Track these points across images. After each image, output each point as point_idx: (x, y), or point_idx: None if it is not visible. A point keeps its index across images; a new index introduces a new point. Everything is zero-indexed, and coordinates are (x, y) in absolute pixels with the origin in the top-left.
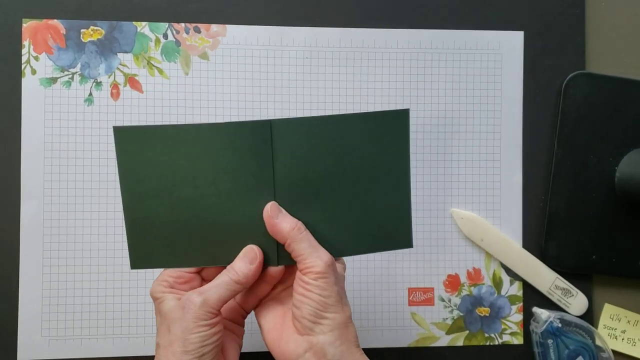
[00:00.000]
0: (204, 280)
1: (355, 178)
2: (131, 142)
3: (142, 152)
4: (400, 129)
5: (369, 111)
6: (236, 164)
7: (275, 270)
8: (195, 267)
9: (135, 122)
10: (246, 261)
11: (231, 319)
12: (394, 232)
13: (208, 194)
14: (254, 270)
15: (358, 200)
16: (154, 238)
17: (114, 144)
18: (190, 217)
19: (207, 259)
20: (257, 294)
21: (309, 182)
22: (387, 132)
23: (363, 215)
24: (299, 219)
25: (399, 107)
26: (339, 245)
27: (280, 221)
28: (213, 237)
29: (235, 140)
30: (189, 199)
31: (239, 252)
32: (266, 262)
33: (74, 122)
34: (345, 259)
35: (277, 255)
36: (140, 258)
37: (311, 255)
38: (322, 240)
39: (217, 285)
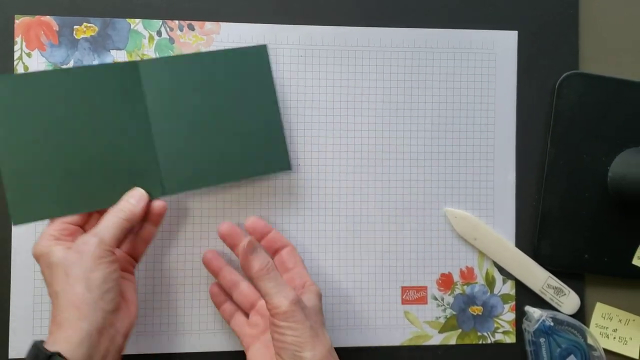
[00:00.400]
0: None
1: (226, 109)
2: (3, 91)
3: (15, 100)
4: (262, 63)
5: (229, 48)
6: (110, 105)
7: (158, 207)
8: (79, 219)
9: None
10: (131, 201)
11: (122, 269)
12: (271, 157)
13: (86, 137)
14: (140, 208)
15: (232, 130)
16: (35, 190)
17: None
18: (70, 162)
19: (92, 203)
20: (144, 238)
21: (181, 116)
22: (250, 66)
23: (239, 144)
24: (177, 152)
25: (393, 106)
26: (220, 172)
27: (253, 258)
28: (96, 181)
29: (106, 82)
30: (67, 144)
31: (123, 192)
32: (151, 197)
33: None
34: (338, 263)
35: (162, 187)
36: (23, 212)
37: (277, 295)
38: (203, 170)
39: (106, 226)
